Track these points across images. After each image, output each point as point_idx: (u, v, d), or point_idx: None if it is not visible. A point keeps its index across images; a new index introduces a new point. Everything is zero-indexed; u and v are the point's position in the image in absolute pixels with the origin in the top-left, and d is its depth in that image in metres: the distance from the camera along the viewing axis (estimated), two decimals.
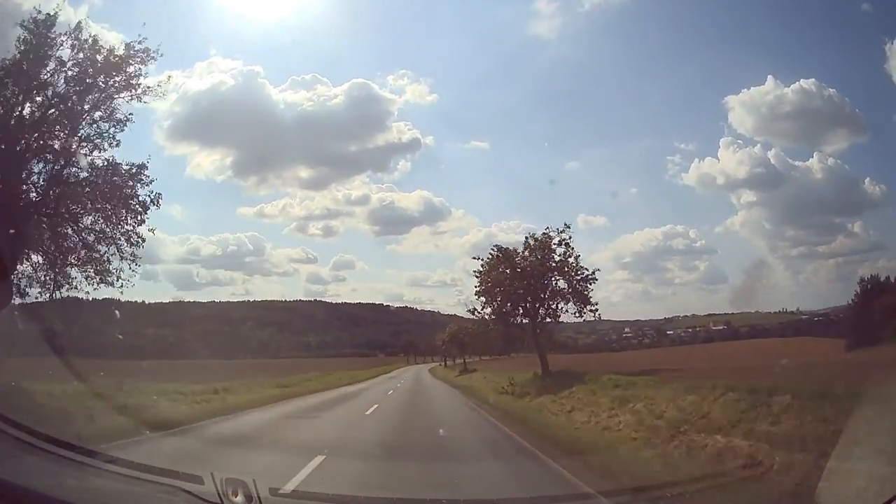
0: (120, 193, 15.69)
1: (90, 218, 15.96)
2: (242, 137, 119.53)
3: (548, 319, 28.44)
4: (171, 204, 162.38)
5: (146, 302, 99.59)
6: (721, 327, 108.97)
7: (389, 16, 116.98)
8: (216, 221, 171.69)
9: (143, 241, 16.10)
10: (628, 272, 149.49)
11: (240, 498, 4.28)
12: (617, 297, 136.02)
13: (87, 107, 15.47)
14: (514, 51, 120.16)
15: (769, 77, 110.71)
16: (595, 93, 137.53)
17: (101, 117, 15.51)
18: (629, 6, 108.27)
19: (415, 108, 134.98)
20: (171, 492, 4.83)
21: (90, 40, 15.23)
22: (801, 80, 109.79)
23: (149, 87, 16.07)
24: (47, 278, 15.54)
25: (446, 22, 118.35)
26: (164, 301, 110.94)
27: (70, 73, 15.11)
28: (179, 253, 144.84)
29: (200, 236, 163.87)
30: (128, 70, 15.50)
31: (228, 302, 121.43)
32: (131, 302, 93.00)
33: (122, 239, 15.96)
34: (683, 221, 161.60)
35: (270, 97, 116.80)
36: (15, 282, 14.38)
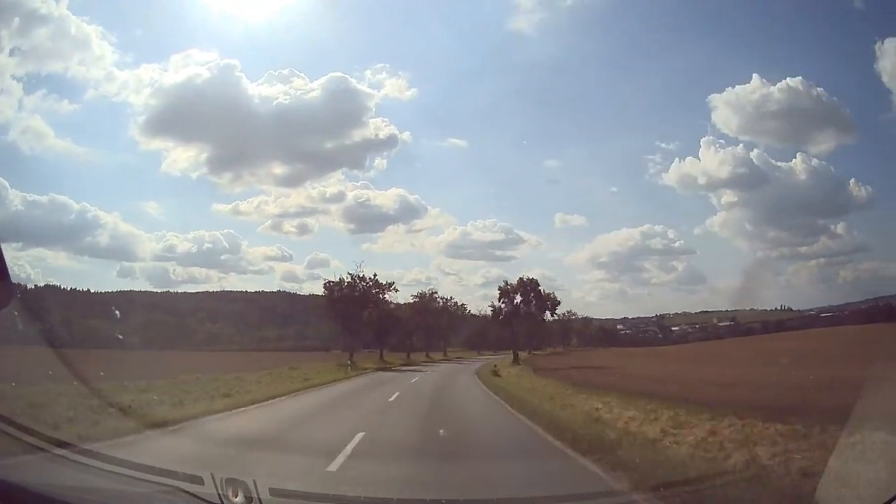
0: None
1: None
2: (217, 133, 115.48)
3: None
4: (147, 201, 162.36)
5: (91, 290, 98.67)
6: (727, 323, 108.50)
7: (368, 6, 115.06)
8: (192, 218, 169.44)
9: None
10: (605, 272, 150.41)
11: (239, 498, 4.29)
12: (593, 298, 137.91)
13: None
14: (495, 46, 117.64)
15: (754, 75, 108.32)
16: (576, 90, 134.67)
17: None
18: (611, 1, 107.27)
19: (393, 103, 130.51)
20: (170, 492, 4.83)
21: None
22: (788, 78, 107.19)
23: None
24: None
25: (426, 14, 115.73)
26: (111, 290, 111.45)
27: None
28: (156, 250, 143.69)
29: (176, 233, 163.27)
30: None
31: (184, 292, 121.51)
32: (76, 290, 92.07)
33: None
34: (662, 221, 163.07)
35: (246, 91, 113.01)
36: None
